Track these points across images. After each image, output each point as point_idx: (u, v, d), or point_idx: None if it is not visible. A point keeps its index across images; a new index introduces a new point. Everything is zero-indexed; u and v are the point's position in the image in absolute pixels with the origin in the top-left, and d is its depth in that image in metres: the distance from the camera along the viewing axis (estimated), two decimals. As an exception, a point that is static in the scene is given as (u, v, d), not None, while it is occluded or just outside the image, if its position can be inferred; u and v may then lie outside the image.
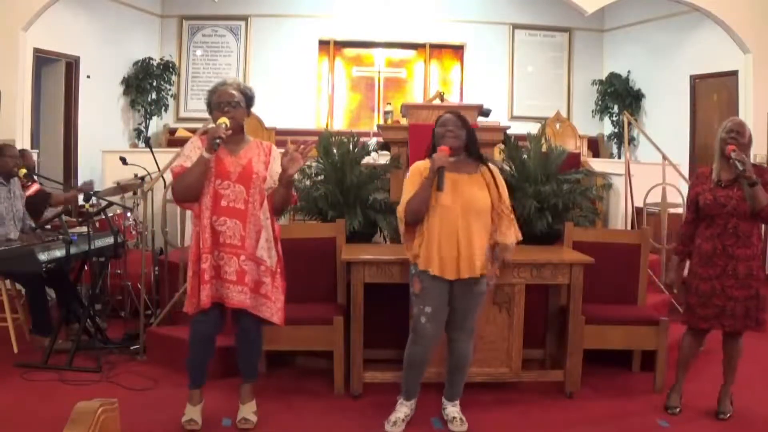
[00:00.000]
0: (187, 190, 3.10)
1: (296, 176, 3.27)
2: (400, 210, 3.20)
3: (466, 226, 3.11)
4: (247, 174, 3.12)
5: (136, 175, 5.48)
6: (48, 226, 5.04)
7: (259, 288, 3.15)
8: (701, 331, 3.52)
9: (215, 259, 3.10)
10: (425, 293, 3.17)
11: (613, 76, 9.23)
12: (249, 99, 3.24)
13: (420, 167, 3.24)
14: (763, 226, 3.48)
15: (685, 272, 3.63)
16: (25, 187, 5.25)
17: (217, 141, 3.00)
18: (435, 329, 3.20)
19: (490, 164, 3.30)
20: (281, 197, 3.16)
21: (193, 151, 3.12)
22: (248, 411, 3.29)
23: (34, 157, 6.07)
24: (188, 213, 4.48)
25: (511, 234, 3.24)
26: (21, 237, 4.49)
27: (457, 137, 3.18)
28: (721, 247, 3.38)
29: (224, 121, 3.06)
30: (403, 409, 3.31)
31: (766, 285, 3.46)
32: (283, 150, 3.15)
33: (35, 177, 5.52)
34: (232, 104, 3.12)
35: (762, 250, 3.44)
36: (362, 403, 3.63)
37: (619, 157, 8.67)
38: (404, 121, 4.75)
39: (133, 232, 5.52)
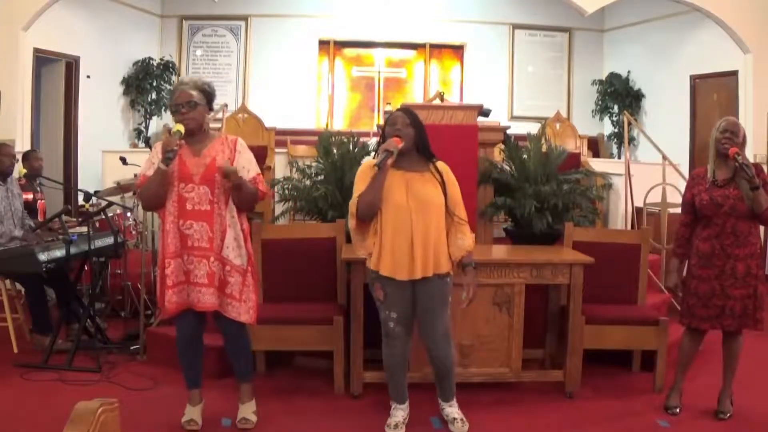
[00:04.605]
0: (151, 200, 3.08)
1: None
2: (352, 204, 3.10)
3: (421, 224, 3.05)
4: (209, 174, 3.06)
5: (136, 175, 5.46)
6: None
7: (224, 288, 3.10)
8: (700, 332, 3.52)
9: (185, 264, 3.06)
10: (388, 299, 3.13)
11: (613, 76, 9.22)
12: (209, 95, 3.16)
13: (370, 163, 3.19)
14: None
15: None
16: (30, 192, 5.25)
17: (170, 155, 2.94)
18: (405, 330, 3.19)
19: (438, 163, 3.21)
20: (237, 197, 3.09)
21: (156, 158, 3.06)
22: (248, 411, 3.29)
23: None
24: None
25: (464, 245, 3.14)
26: (23, 235, 4.50)
27: (404, 137, 3.10)
28: (719, 247, 3.36)
29: (179, 129, 2.99)
30: (399, 413, 3.30)
31: (764, 283, 3.45)
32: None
33: (39, 180, 5.50)
34: (190, 105, 3.06)
35: (760, 248, 3.43)
36: (362, 403, 3.63)
37: (619, 157, 8.66)
38: (404, 121, 4.73)
39: (133, 232, 5.52)
